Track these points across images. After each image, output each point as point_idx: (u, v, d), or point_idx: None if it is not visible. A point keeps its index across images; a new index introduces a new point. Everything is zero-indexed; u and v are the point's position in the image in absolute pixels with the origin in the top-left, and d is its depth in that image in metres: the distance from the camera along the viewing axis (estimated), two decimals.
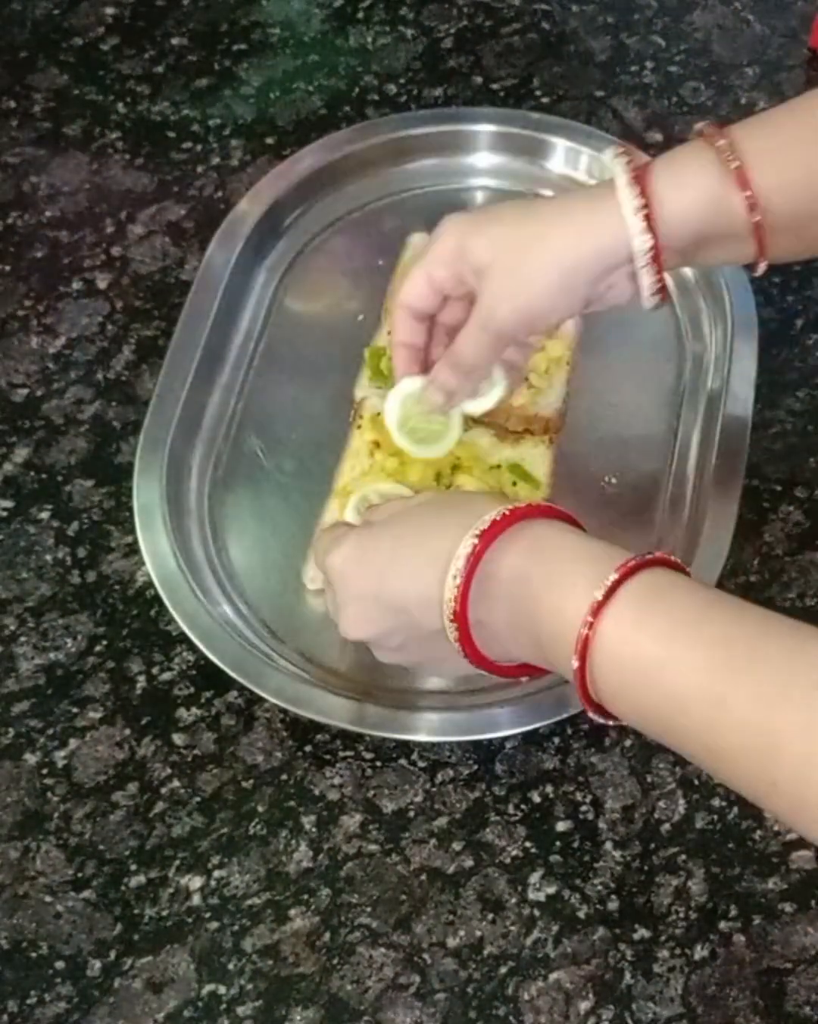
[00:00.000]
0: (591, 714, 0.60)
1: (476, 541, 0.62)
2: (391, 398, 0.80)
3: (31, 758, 0.78)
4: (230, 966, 0.72)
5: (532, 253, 0.71)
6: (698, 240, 0.70)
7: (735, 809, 0.76)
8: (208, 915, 0.74)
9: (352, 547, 0.68)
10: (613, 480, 0.86)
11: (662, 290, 0.72)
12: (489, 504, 0.64)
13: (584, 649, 0.58)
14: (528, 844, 0.76)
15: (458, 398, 0.78)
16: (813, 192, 0.68)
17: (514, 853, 0.75)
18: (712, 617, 0.57)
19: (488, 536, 0.62)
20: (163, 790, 0.77)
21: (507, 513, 0.62)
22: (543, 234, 0.71)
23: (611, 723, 0.61)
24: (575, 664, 0.58)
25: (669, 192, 0.68)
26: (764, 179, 0.68)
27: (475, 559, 0.62)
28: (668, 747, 0.59)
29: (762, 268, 0.71)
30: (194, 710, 0.80)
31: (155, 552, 0.81)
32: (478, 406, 0.80)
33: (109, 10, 1.11)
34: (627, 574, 0.58)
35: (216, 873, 0.75)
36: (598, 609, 0.57)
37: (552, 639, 0.60)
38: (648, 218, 0.68)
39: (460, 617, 0.63)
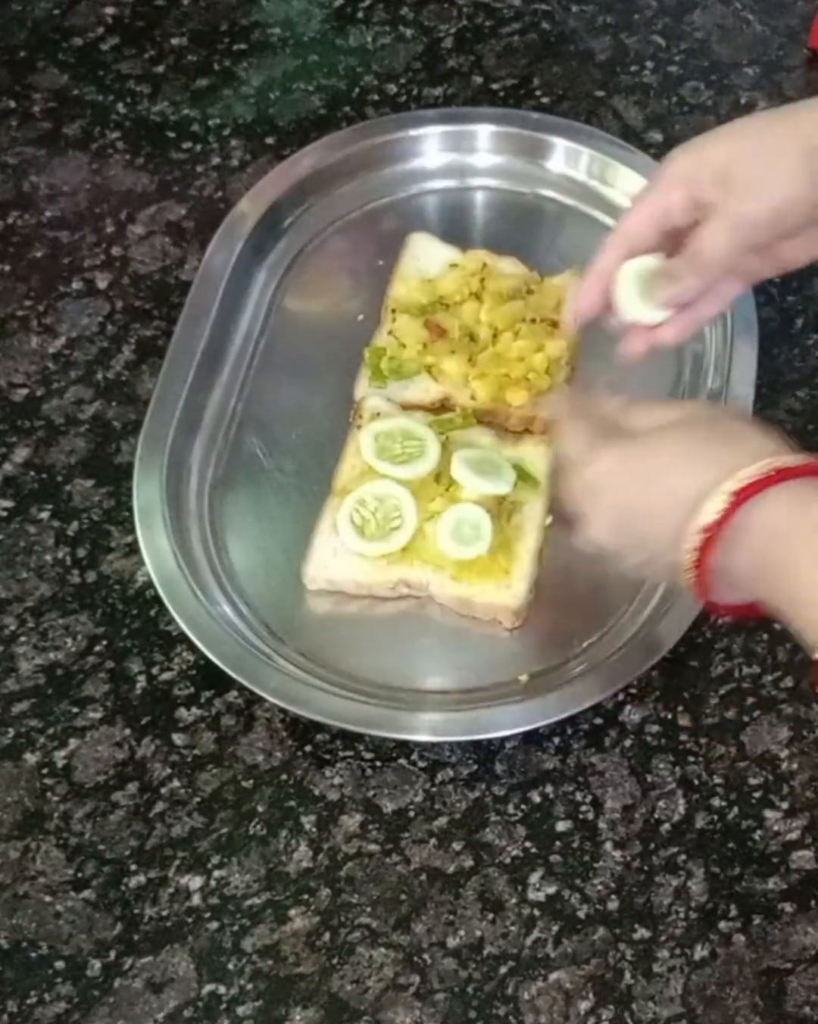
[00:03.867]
0: None
1: (729, 500, 0.60)
2: (365, 434, 0.84)
3: (31, 758, 0.78)
4: (230, 966, 0.72)
5: (773, 133, 0.70)
6: None
7: (735, 809, 0.76)
8: (208, 915, 0.74)
9: (614, 462, 0.66)
10: None
11: None
12: (753, 448, 0.62)
13: None
14: (528, 844, 0.76)
15: (685, 296, 0.74)
16: None
17: (514, 853, 0.75)
18: None
19: (742, 496, 0.60)
20: (163, 790, 0.77)
21: (772, 474, 0.60)
22: (788, 114, 0.70)
23: None
24: None
25: None
26: None
27: (724, 518, 0.60)
28: None
29: None
30: (194, 710, 0.80)
31: (155, 552, 0.81)
32: (495, 488, 0.82)
33: (109, 10, 1.11)
34: None
35: (216, 873, 0.75)
36: None
37: (809, 606, 0.60)
38: None
39: (700, 566, 0.62)
